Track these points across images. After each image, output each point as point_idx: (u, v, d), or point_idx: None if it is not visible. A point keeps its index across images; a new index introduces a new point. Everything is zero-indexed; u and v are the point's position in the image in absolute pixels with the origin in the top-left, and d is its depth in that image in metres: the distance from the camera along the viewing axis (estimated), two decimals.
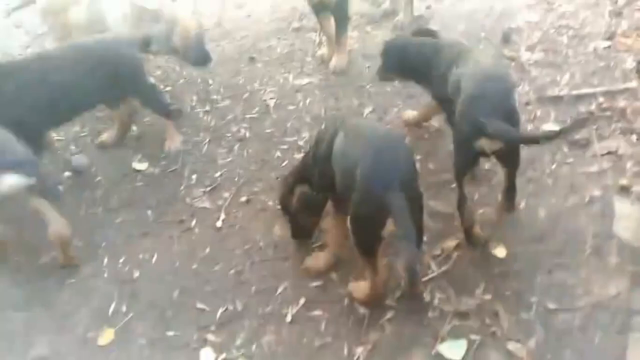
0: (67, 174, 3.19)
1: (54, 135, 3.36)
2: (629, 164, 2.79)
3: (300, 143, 3.28)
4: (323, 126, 2.53)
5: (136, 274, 2.66)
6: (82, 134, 3.48)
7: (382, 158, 2.13)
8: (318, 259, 2.54)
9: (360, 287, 2.37)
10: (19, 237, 2.83)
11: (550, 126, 3.06)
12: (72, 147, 3.41)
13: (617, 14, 3.83)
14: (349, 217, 2.19)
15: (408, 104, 3.42)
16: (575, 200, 2.68)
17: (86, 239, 2.83)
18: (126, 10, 3.39)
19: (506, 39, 3.76)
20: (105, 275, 2.67)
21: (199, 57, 3.46)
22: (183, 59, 3.50)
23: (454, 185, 2.60)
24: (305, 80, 3.70)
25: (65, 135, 3.46)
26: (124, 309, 2.51)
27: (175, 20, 3.38)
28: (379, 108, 3.43)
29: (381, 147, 2.18)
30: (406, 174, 2.16)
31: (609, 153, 2.87)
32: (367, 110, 3.42)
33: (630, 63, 3.40)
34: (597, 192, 2.69)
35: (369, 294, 2.33)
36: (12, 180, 2.38)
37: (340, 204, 2.38)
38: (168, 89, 3.72)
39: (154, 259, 2.73)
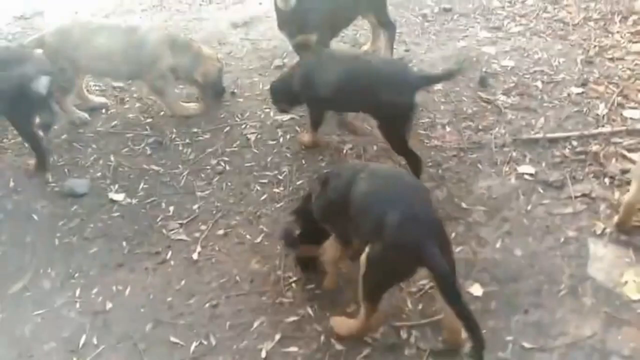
0: (42, 203, 3.14)
1: None
2: (602, 206, 2.85)
3: (280, 177, 3.28)
4: (335, 170, 2.53)
5: (109, 305, 2.61)
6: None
7: (416, 208, 2.14)
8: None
9: (344, 324, 2.36)
10: None
11: (526, 168, 3.14)
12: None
13: (589, 62, 3.97)
14: (368, 262, 2.14)
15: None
16: (551, 241, 2.72)
17: (59, 268, 2.78)
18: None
19: (483, 83, 3.86)
20: (77, 305, 2.62)
21: (217, 92, 3.81)
22: (202, 90, 3.76)
23: None
24: (287, 117, 3.73)
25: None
26: (95, 341, 2.46)
27: (200, 55, 3.66)
28: (359, 145, 3.47)
29: (413, 196, 2.21)
30: (437, 222, 2.18)
31: (583, 195, 2.94)
32: (346, 147, 3.45)
33: (602, 109, 3.52)
34: (572, 234, 2.74)
35: (355, 333, 2.31)
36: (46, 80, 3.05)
37: (346, 240, 2.40)
38: (149, 120, 3.71)
39: (127, 291, 2.68)
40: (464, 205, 2.98)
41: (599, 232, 2.73)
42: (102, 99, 3.85)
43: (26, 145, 3.37)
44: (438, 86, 3.85)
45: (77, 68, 3.58)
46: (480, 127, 3.52)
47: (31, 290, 2.71)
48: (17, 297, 2.67)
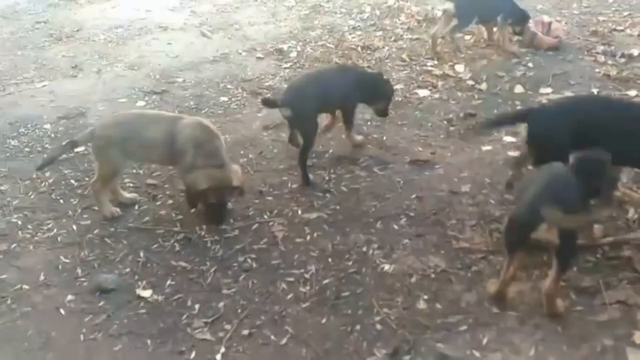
0: (70, 298, 3.16)
1: None
2: (639, 315, 2.76)
3: (307, 276, 3.27)
4: None
5: None
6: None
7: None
8: None
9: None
10: None
11: None
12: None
13: None
14: None
15: (415, 242, 3.47)
16: (587, 350, 2.63)
17: None
18: None
19: (510, 186, 3.89)
20: None
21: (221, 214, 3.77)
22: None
23: (461, 328, 2.56)
24: (314, 215, 3.77)
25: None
26: None
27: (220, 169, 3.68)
28: (386, 244, 3.47)
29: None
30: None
31: (618, 302, 2.85)
32: (374, 246, 3.46)
33: (631, 214, 3.49)
34: (608, 342, 2.64)
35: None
36: None
37: None
38: (179, 217, 3.78)
39: None
40: (495, 309, 2.92)
41: (637, 341, 2.63)
42: (134, 195, 3.95)
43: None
44: (465, 189, 3.91)
45: (126, 157, 3.74)
46: None
47: None
48: None
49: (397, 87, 5.29)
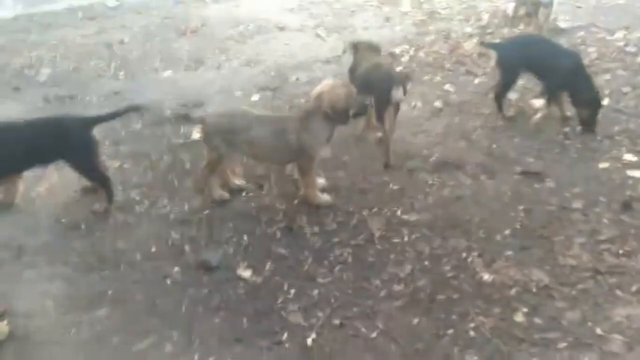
0: (176, 270, 3.35)
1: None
2: None
3: (401, 275, 3.26)
4: None
5: None
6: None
7: None
8: None
9: None
10: None
11: None
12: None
13: None
14: None
15: (519, 255, 3.36)
16: None
17: (182, 334, 2.90)
18: None
19: (626, 207, 3.66)
20: None
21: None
22: None
23: (560, 345, 2.42)
24: (414, 217, 3.75)
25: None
26: None
27: None
28: (487, 254, 3.38)
29: None
30: None
31: None
32: (474, 254, 3.38)
33: None
34: None
35: None
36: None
37: None
38: (283, 207, 3.90)
39: None
40: (598, 331, 2.77)
41: None
42: (243, 182, 4.12)
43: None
44: (576, 205, 3.73)
45: (233, 150, 3.88)
46: (621, 251, 3.32)
47: (154, 350, 2.83)
48: (140, 355, 2.80)
49: (512, 96, 5.14)
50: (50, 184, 4.12)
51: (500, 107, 4.92)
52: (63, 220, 3.76)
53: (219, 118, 3.91)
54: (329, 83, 3.83)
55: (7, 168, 3.79)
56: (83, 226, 3.70)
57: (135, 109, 4.28)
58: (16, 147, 3.67)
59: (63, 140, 3.74)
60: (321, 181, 4.05)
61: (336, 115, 3.73)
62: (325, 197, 3.94)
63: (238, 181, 4.11)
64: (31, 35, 7.19)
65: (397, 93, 4.20)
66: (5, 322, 2.86)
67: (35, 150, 3.73)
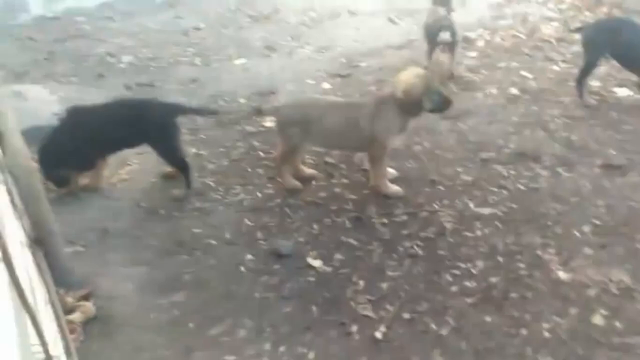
0: (250, 257, 3.44)
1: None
2: None
3: (473, 271, 3.22)
4: None
5: None
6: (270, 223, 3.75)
7: None
8: None
9: None
10: None
11: None
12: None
13: None
14: None
15: (599, 254, 3.23)
16: None
17: (254, 320, 2.99)
18: None
19: None
20: (265, 359, 2.78)
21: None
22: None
23: None
24: (487, 211, 3.68)
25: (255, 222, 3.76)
26: None
27: None
28: (564, 251, 3.27)
29: None
30: None
31: None
32: (550, 251, 3.28)
33: None
34: None
35: None
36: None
37: None
38: (352, 197, 3.91)
39: (310, 355, 2.78)
40: None
41: None
42: (314, 172, 4.16)
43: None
44: None
45: (307, 139, 3.93)
46: None
47: (227, 336, 2.93)
48: (215, 340, 2.90)
49: (593, 83, 4.91)
50: (132, 170, 4.31)
51: (580, 94, 4.71)
52: (143, 204, 3.93)
53: (292, 109, 3.96)
54: (408, 72, 3.78)
55: (99, 150, 4.00)
56: (162, 211, 3.85)
57: (214, 112, 4.56)
58: (106, 130, 3.87)
59: (151, 124, 3.91)
60: (392, 171, 4.03)
61: (409, 105, 3.68)
62: (396, 188, 3.92)
63: (308, 170, 4.16)
64: (113, 23, 7.48)
65: (444, 35, 5.16)
66: (92, 302, 3.04)
67: (124, 133, 3.92)
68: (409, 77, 3.69)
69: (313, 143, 4.03)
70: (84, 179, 4.09)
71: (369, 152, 3.88)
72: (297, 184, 4.02)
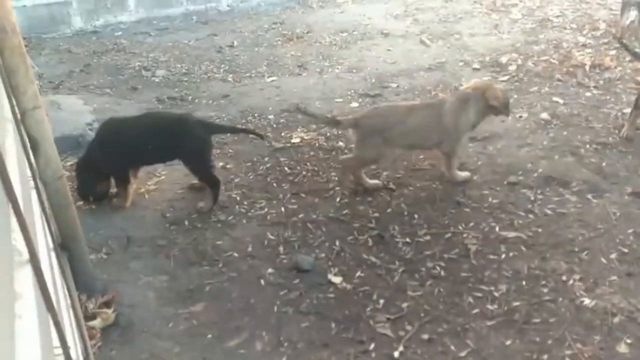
0: (270, 271, 3.45)
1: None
2: None
3: (496, 294, 3.16)
4: None
5: None
6: (292, 239, 3.76)
7: None
8: None
9: None
10: None
11: None
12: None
13: None
14: None
15: (625, 281, 3.15)
16: None
17: (272, 334, 2.98)
18: None
19: None
20: None
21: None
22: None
23: None
24: (512, 234, 3.62)
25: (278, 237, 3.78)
26: None
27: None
28: (589, 277, 3.20)
29: None
30: None
31: None
32: (575, 277, 3.21)
33: None
34: None
35: None
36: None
37: None
38: (376, 215, 3.90)
39: None
40: None
41: None
42: (377, 182, 4.23)
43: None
44: None
45: (387, 145, 4.08)
46: None
47: (244, 348, 2.93)
48: (232, 352, 2.90)
49: (627, 111, 4.83)
50: (159, 181, 4.38)
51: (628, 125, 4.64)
52: (168, 215, 3.99)
53: (372, 119, 4.10)
54: (486, 81, 4.54)
55: (131, 162, 4.07)
56: (186, 222, 3.90)
57: (252, 133, 4.55)
58: (139, 142, 3.93)
59: (184, 140, 3.96)
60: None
61: (494, 107, 4.09)
62: (466, 174, 4.26)
63: (371, 181, 4.24)
64: (149, 38, 7.69)
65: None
66: (112, 309, 3.08)
67: (157, 148, 3.96)
68: (493, 85, 4.22)
69: (393, 147, 4.18)
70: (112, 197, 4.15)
71: (446, 146, 4.15)
72: (378, 182, 4.22)
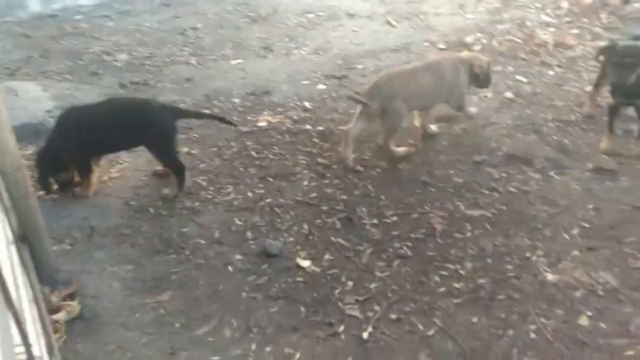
0: (238, 257, 3.43)
1: None
2: None
3: (462, 272, 3.21)
4: None
5: None
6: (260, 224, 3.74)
7: None
8: None
9: None
10: None
11: None
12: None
13: None
14: None
15: (586, 256, 3.23)
16: None
17: (241, 320, 2.98)
18: None
19: None
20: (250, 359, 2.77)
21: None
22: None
23: (627, 353, 2.31)
24: (477, 213, 3.67)
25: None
26: None
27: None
28: (552, 253, 3.27)
29: None
30: None
31: None
32: (538, 253, 3.28)
33: None
34: None
35: None
36: None
37: None
38: (343, 197, 3.90)
39: (296, 356, 2.77)
40: None
41: None
42: (406, 148, 4.36)
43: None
44: None
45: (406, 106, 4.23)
46: None
47: (213, 336, 2.91)
48: (200, 340, 2.89)
49: (588, 89, 4.91)
50: (122, 168, 4.30)
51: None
52: (132, 203, 3.92)
53: (390, 83, 4.20)
54: (474, 53, 4.88)
55: (94, 150, 3.96)
56: (151, 210, 3.84)
57: (220, 119, 4.40)
58: (102, 130, 3.81)
59: (149, 126, 3.86)
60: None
61: (477, 76, 4.44)
62: (403, 149, 4.38)
63: (401, 148, 4.38)
64: (110, 21, 7.47)
65: None
66: (77, 301, 3.03)
67: (121, 135, 3.87)
68: (480, 56, 4.60)
69: (411, 108, 4.33)
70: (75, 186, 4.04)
71: (453, 102, 4.50)
72: (411, 148, 4.40)
